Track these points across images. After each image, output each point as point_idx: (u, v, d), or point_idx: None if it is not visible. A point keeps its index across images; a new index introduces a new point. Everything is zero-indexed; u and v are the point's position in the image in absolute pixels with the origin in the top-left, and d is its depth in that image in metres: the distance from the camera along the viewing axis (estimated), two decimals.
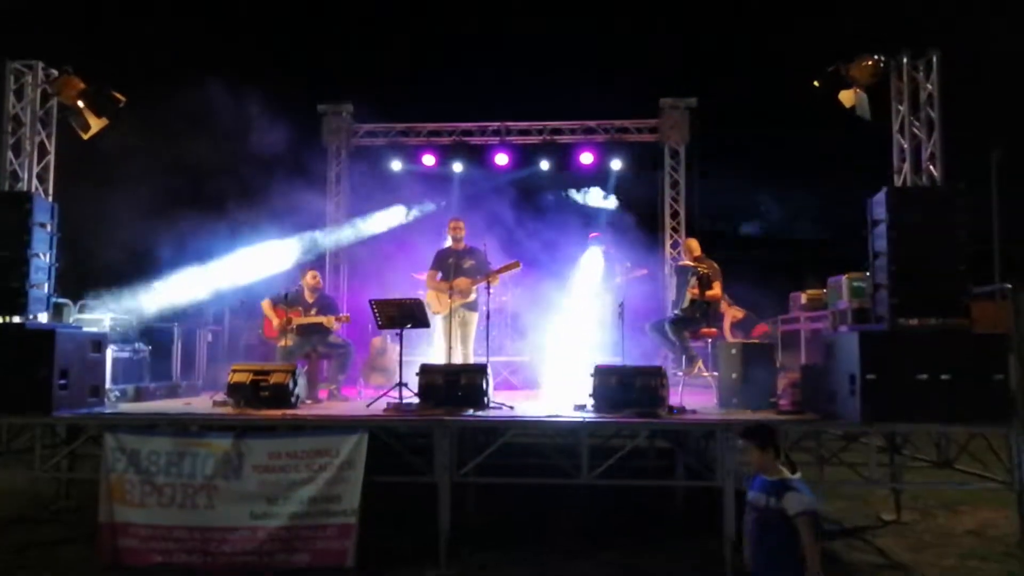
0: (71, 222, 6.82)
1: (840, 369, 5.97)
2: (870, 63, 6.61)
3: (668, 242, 11.93)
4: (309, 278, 8.05)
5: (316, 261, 11.19)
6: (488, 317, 7.76)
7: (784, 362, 8.69)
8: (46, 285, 6.34)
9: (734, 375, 6.65)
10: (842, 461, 6.25)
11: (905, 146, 6.52)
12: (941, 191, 6.08)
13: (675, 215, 12.04)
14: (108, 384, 6.84)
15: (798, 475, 3.63)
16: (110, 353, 7.02)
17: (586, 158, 12.07)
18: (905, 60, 6.46)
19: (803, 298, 8.97)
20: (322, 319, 7.74)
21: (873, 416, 5.57)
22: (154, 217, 11.07)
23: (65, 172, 7.30)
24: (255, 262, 10.32)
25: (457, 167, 12.29)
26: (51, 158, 7.20)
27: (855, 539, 6.28)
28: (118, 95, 7.11)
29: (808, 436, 6.45)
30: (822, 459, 6.49)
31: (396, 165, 12.37)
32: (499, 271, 7.76)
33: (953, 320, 5.70)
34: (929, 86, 6.38)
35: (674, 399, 6.61)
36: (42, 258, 6.28)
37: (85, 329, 6.87)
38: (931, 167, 6.35)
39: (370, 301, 7.03)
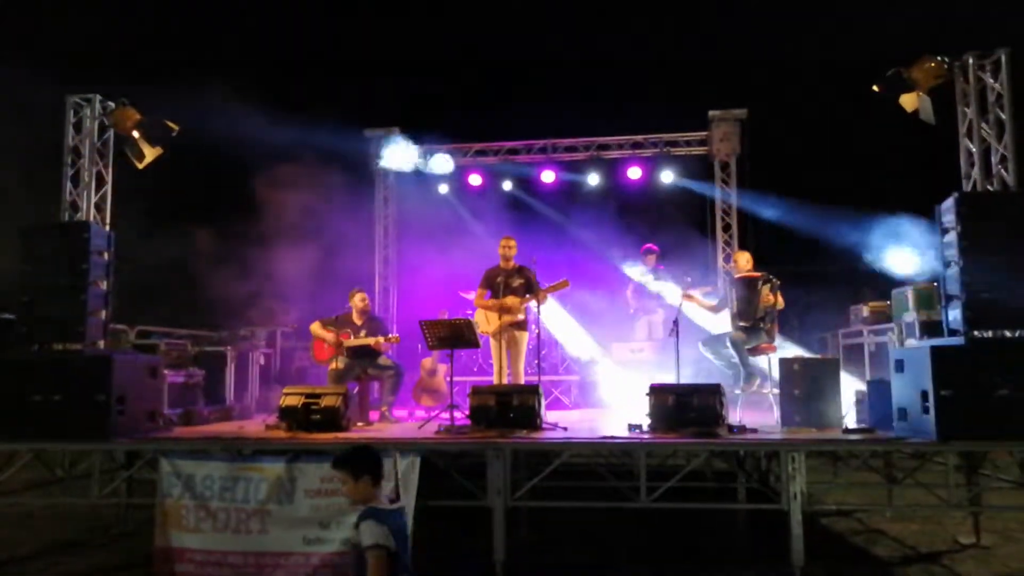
0: (128, 249, 6.95)
1: (911, 385, 5.68)
2: (932, 65, 6.36)
3: (720, 256, 11.68)
4: (357, 300, 8.01)
5: (365, 282, 11.24)
6: (539, 336, 7.64)
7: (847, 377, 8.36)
8: (103, 312, 6.45)
9: (796, 392, 6.38)
10: (916, 482, 5.92)
11: (973, 150, 6.22)
12: (1016, 196, 5.77)
13: (727, 228, 11.78)
14: (164, 409, 6.91)
15: (398, 505, 3.18)
16: (165, 378, 7.11)
17: (634, 173, 11.92)
18: (971, 60, 6.18)
19: (865, 311, 8.64)
20: (371, 340, 7.70)
21: (950, 434, 5.26)
22: (203, 242, 11.30)
23: (121, 200, 7.47)
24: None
25: (506, 185, 12.27)
26: (108, 188, 7.37)
27: (933, 564, 5.92)
28: (172, 124, 7.26)
29: (877, 455, 6.15)
30: (893, 479, 6.16)
31: (441, 187, 12.40)
32: (548, 290, 7.63)
33: None
34: (998, 86, 6.08)
35: (732, 418, 6.38)
36: (99, 286, 6.40)
37: (141, 355, 6.96)
38: (1003, 171, 6.04)
39: (420, 322, 6.98)
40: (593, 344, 10.46)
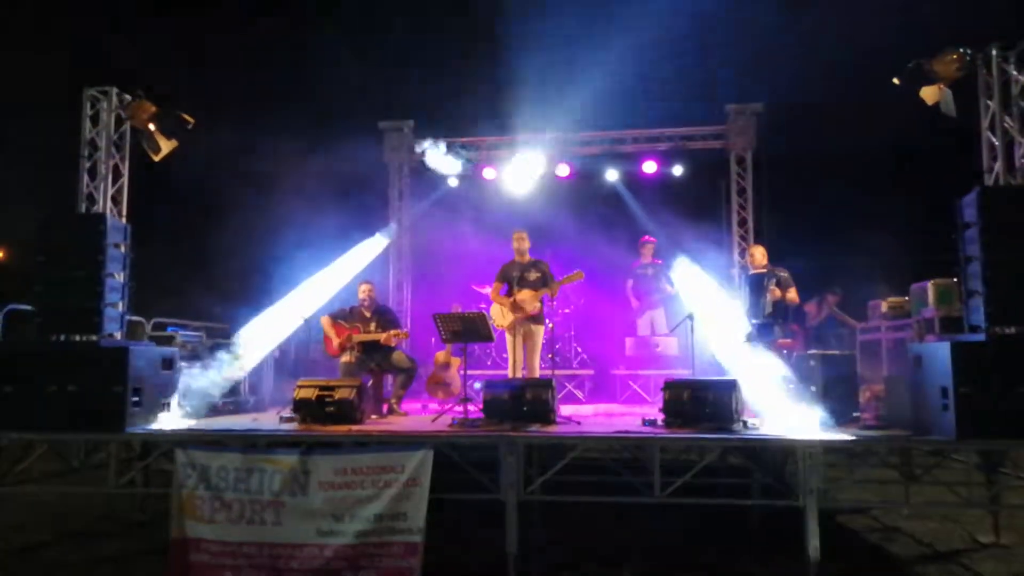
0: (144, 242, 6.97)
1: (930, 382, 5.60)
2: (955, 57, 6.24)
3: (736, 251, 11.58)
4: (362, 292, 7.99)
5: (379, 276, 11.26)
6: (552, 330, 7.61)
7: (864, 373, 8.27)
8: (120, 304, 6.48)
9: (813, 388, 6.33)
10: (935, 479, 5.85)
11: (996, 143, 6.11)
12: None
13: (743, 223, 11.68)
14: (179, 400, 6.95)
15: None
16: (181, 369, 7.14)
17: (649, 167, 11.84)
18: (994, 52, 6.07)
19: (883, 306, 8.53)
20: (380, 336, 7.65)
21: (969, 432, 5.19)
22: (221, 238, 11.33)
23: (138, 193, 7.50)
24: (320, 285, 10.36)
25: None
26: (124, 180, 7.40)
27: (952, 563, 5.85)
28: (187, 117, 7.27)
29: (894, 452, 6.08)
30: (910, 477, 6.10)
31: (454, 181, 12.36)
32: (561, 282, 7.60)
33: None
34: (1022, 79, 5.98)
35: (748, 414, 6.33)
36: (116, 278, 6.43)
37: (157, 347, 6.99)
38: None
39: (434, 315, 6.97)
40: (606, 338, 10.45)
